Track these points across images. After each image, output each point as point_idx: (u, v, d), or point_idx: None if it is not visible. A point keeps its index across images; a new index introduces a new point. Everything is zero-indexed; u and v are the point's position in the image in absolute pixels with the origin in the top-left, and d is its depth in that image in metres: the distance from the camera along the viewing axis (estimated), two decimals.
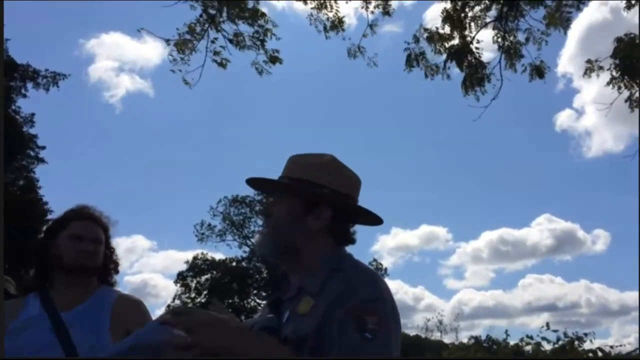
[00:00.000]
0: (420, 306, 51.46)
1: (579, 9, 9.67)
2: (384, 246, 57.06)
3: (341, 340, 1.56)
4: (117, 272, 2.62)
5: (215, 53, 8.99)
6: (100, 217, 2.57)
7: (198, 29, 8.91)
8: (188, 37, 8.88)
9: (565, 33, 9.63)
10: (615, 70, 11.45)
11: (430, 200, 59.04)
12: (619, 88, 11.47)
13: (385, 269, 41.37)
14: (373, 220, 1.91)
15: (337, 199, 1.81)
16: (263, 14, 9.07)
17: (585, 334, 10.03)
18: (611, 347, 9.73)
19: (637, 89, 11.35)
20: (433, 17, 10.23)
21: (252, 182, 1.92)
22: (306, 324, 1.63)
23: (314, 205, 1.79)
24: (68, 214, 2.53)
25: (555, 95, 49.77)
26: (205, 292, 39.97)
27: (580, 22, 26.00)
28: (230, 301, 39.75)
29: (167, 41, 8.94)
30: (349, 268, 1.72)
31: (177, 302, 40.33)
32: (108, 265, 2.57)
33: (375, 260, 41.02)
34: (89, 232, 2.47)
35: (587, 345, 9.91)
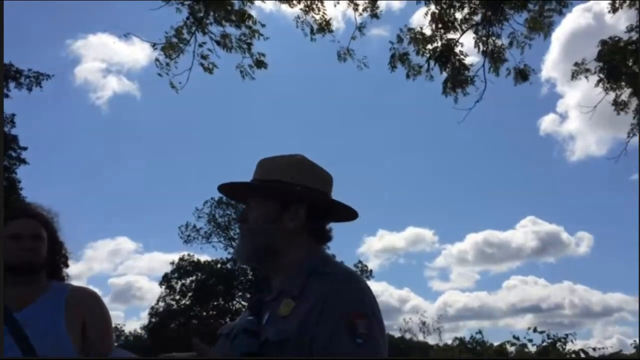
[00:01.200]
0: (405, 308, 51.53)
1: (561, 13, 9.75)
2: (370, 248, 57.21)
3: (333, 347, 1.56)
4: (66, 265, 2.58)
5: (203, 57, 8.97)
6: (39, 212, 2.51)
7: (185, 32, 8.88)
8: (175, 40, 8.84)
9: (546, 38, 9.72)
10: (600, 73, 11.58)
11: (417, 202, 59.30)
12: (606, 89, 11.60)
13: (371, 270, 41.45)
14: (348, 215, 1.91)
15: (310, 195, 1.81)
16: (250, 16, 9.05)
17: (567, 335, 10.14)
18: (594, 349, 9.84)
19: (622, 90, 11.48)
20: (420, 21, 10.26)
21: (225, 188, 1.91)
22: (288, 326, 1.62)
23: (288, 205, 1.79)
24: (6, 213, 2.48)
25: (539, 100, 50.20)
26: (190, 294, 39.82)
27: (564, 28, 26.29)
28: (215, 303, 39.67)
29: (154, 45, 8.91)
30: (330, 270, 1.72)
31: (162, 304, 40.19)
32: (57, 259, 2.52)
33: (360, 262, 41.08)
34: (26, 229, 2.41)
35: (569, 346, 10.02)
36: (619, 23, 11.67)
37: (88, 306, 2.44)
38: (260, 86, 49.24)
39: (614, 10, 10.76)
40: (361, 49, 10.02)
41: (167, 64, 8.87)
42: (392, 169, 58.67)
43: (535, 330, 10.16)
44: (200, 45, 8.92)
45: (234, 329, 1.77)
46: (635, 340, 12.81)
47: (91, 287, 2.58)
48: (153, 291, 57.11)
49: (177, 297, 40.14)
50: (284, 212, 1.79)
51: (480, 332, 11.78)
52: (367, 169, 57.08)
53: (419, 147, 60.81)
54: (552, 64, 30.15)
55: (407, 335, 32.35)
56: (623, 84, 11.40)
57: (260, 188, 1.83)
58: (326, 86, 59.98)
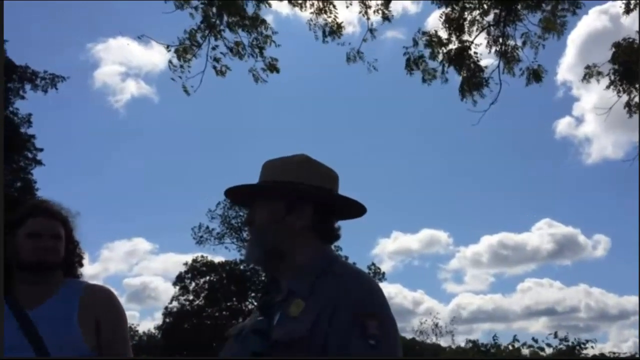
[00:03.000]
0: (419, 310, 51.42)
1: (575, 14, 9.67)
2: (383, 250, 57.25)
3: (346, 349, 1.56)
4: (81, 265, 2.56)
5: (216, 60, 9.01)
6: (58, 211, 2.49)
7: (199, 35, 8.93)
8: (188, 43, 8.89)
9: (559, 38, 9.64)
10: (614, 75, 11.47)
11: (432, 204, 59.17)
12: (618, 92, 11.49)
13: (383, 273, 41.27)
14: (356, 211, 1.90)
15: (314, 193, 1.80)
16: (263, 21, 9.08)
17: (587, 341, 10.05)
18: (613, 353, 9.79)
19: (636, 93, 11.37)
20: (435, 23, 10.24)
21: (231, 193, 1.90)
22: (298, 326, 1.61)
23: (293, 205, 1.78)
24: (25, 210, 2.46)
25: (555, 102, 50.17)
26: (203, 295, 39.94)
27: (580, 31, 26.14)
28: (228, 304, 39.75)
29: (168, 47, 8.95)
30: (339, 270, 1.72)
31: (175, 303, 40.34)
32: (72, 259, 2.50)
33: (373, 264, 40.93)
34: (47, 229, 2.39)
35: (588, 352, 9.95)
36: (635, 25, 11.57)
37: (102, 304, 2.42)
38: (275, 89, 49.58)
39: (628, 11, 10.68)
40: (376, 52, 10.03)
41: (181, 67, 8.92)
42: (406, 170, 58.59)
43: (556, 335, 10.10)
44: (213, 49, 8.98)
45: (243, 330, 1.77)
46: None
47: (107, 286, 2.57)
48: (168, 292, 57.45)
49: (191, 298, 40.29)
50: (290, 212, 1.78)
51: (495, 336, 11.70)
52: (381, 170, 57.04)
53: (434, 148, 60.74)
54: (567, 66, 30.09)
55: (419, 338, 32.26)
56: (638, 86, 11.29)
57: (264, 189, 1.82)
58: (340, 88, 60.04)
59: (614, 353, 10.03)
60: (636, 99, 11.41)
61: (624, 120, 11.80)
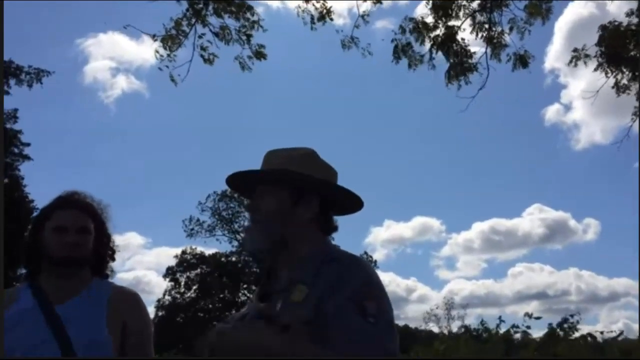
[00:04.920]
0: (412, 297, 51.77)
1: None
2: (376, 238, 57.48)
3: (344, 322, 1.58)
4: (113, 259, 2.50)
5: (203, 49, 8.93)
6: (88, 204, 2.42)
7: (184, 23, 8.84)
8: (174, 32, 8.80)
9: (544, 23, 9.62)
10: (601, 57, 11.50)
11: (424, 191, 59.41)
12: (606, 74, 11.52)
13: (375, 261, 41.53)
14: (354, 206, 1.92)
15: (324, 186, 1.82)
16: (250, 7, 9.01)
17: (572, 315, 10.10)
18: (601, 332, 9.84)
19: (623, 75, 11.41)
20: (423, 11, 10.18)
21: (234, 179, 1.89)
22: (304, 310, 1.63)
23: (301, 195, 1.80)
24: (53, 202, 2.39)
25: (543, 90, 50.48)
26: (195, 287, 39.94)
27: (567, 18, 26.22)
28: (221, 296, 39.78)
29: (154, 36, 8.85)
30: (340, 257, 1.74)
31: (167, 297, 40.31)
32: (103, 253, 2.43)
33: (366, 252, 41.17)
34: (73, 222, 2.31)
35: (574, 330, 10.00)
36: (622, 11, 11.58)
37: (130, 307, 2.37)
38: (264, 80, 49.46)
39: None
40: (367, 41, 9.95)
41: (168, 56, 8.83)
42: (398, 159, 58.71)
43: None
44: (199, 37, 8.89)
45: (246, 316, 1.76)
46: None
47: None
48: (161, 285, 57.23)
49: (182, 290, 40.28)
50: (298, 202, 1.79)
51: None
52: (372, 159, 57.13)
53: (425, 136, 60.89)
54: (555, 54, 30.23)
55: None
56: (623, 68, 11.33)
57: (276, 177, 1.82)
58: (329, 80, 59.99)
59: (602, 333, 10.02)
60: (624, 81, 11.44)
61: (611, 105, 11.90)
